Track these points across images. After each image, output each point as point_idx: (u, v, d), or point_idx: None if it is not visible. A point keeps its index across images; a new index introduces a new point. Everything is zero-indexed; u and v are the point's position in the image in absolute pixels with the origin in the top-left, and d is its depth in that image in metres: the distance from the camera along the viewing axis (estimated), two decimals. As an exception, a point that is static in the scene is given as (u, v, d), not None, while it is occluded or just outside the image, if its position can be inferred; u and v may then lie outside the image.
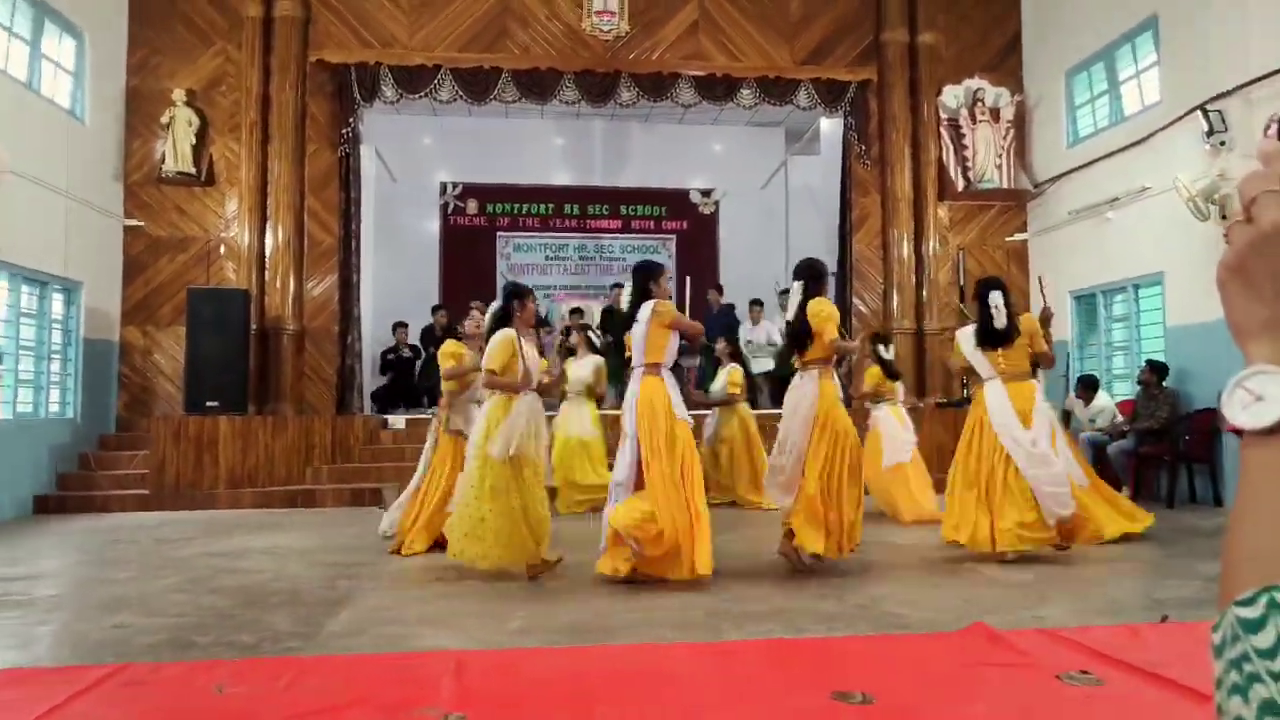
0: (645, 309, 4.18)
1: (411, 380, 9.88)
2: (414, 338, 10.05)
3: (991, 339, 4.75)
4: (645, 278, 4.31)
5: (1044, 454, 4.58)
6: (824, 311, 4.25)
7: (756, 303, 10.13)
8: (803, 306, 4.31)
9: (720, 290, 10.56)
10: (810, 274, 4.45)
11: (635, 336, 4.19)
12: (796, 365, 4.42)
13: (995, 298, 4.74)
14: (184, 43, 9.02)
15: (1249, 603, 0.45)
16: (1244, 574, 0.46)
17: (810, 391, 4.22)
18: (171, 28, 9.01)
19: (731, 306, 10.29)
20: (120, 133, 8.89)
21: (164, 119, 8.82)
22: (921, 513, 6.11)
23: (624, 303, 4.51)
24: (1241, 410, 0.50)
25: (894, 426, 6.37)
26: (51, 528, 6.56)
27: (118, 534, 6.13)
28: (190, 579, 4.37)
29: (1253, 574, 0.46)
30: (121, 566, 4.81)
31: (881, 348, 6.74)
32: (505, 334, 4.33)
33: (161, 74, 8.97)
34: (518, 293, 4.54)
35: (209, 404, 8.07)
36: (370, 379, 10.00)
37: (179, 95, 8.83)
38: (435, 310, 10.07)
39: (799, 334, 4.31)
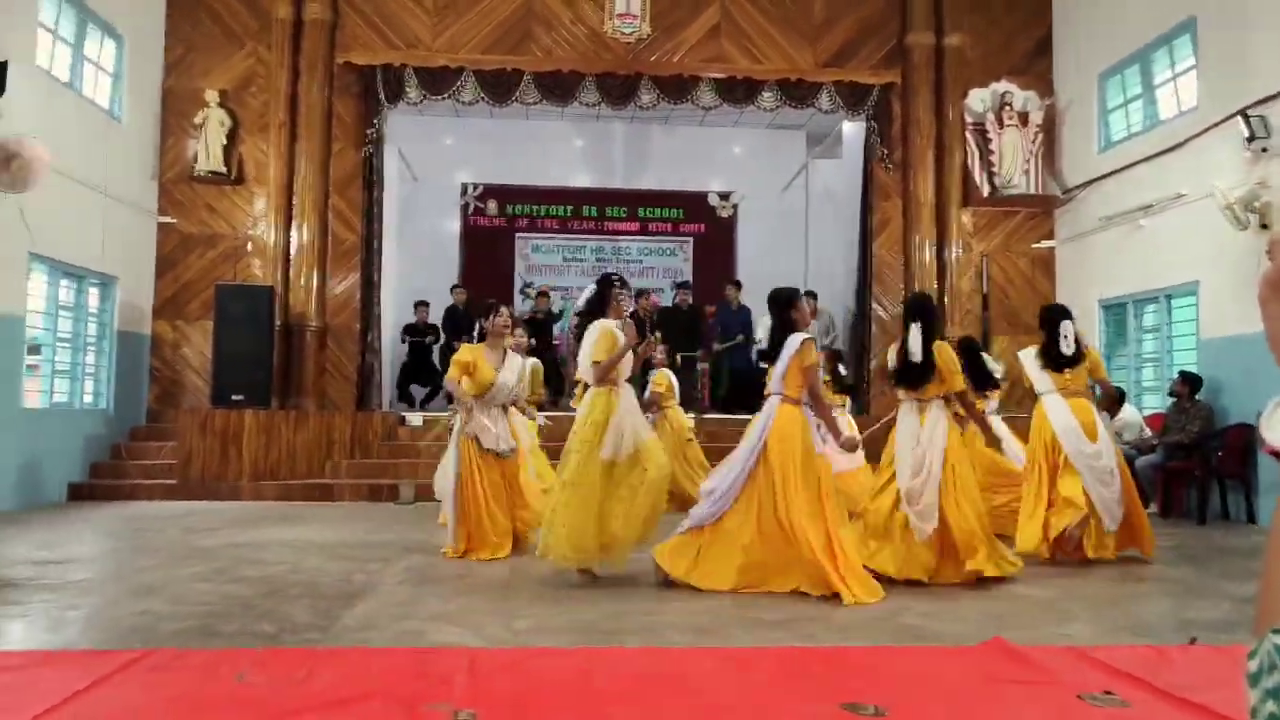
0: (791, 344, 4.14)
1: (430, 360, 10.07)
2: (435, 317, 10.23)
3: (1057, 362, 5.07)
4: (785, 308, 4.26)
5: (1108, 469, 4.90)
6: (954, 361, 4.49)
7: (810, 294, 10.13)
8: (927, 347, 4.41)
9: (739, 286, 10.52)
10: (928, 314, 4.54)
11: (777, 368, 4.17)
12: (903, 396, 4.56)
13: (1066, 327, 5.08)
14: (216, 44, 9.20)
15: None
16: None
17: (942, 423, 4.42)
18: (205, 29, 9.20)
19: (748, 311, 10.26)
20: (156, 132, 9.09)
21: (197, 119, 9.01)
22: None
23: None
24: None
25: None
26: (84, 515, 6.71)
27: (146, 523, 6.26)
28: (215, 568, 4.45)
29: None
30: (149, 554, 4.91)
31: (840, 366, 7.41)
32: (605, 324, 4.29)
33: (195, 74, 9.15)
34: (612, 282, 4.44)
35: (234, 398, 8.21)
36: (390, 375, 10.12)
37: (212, 96, 9.01)
38: (455, 289, 10.33)
39: (922, 371, 4.42)
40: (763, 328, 4.40)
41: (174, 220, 9.08)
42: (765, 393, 4.25)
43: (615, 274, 4.61)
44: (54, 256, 7.46)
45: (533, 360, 6.91)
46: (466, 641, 3.09)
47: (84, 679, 2.51)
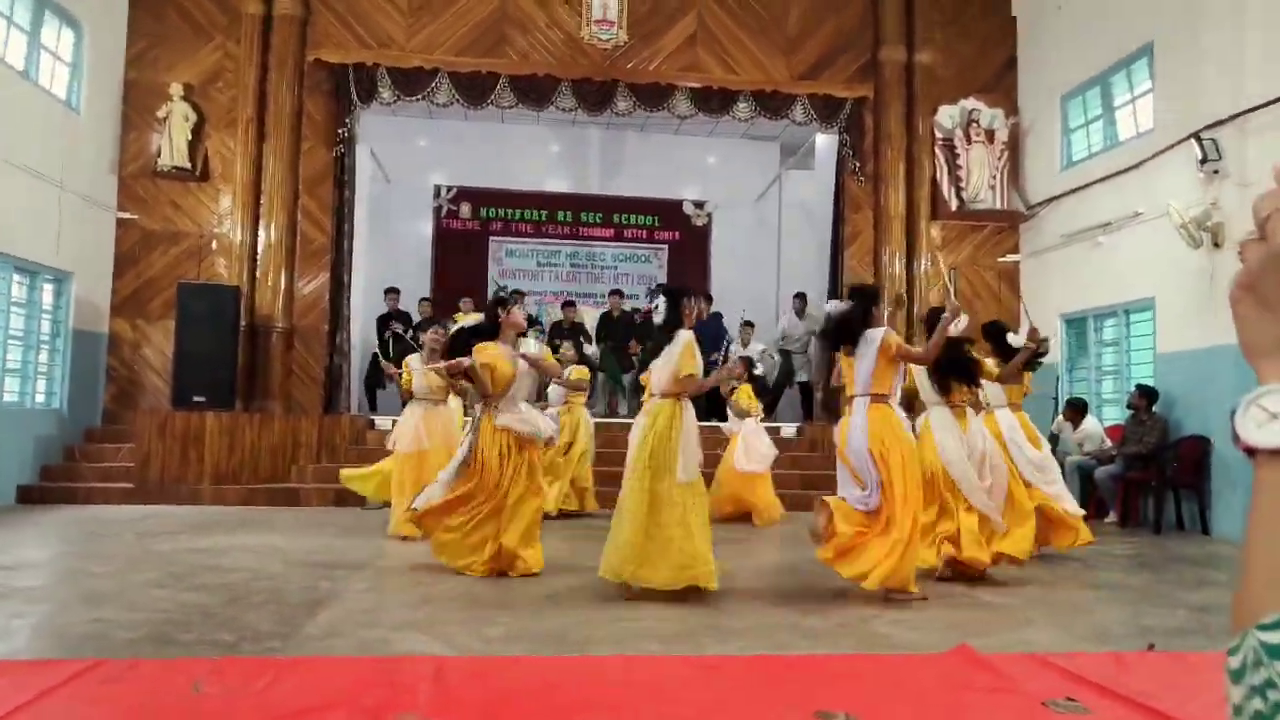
0: (873, 337, 4.07)
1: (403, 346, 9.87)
2: (406, 305, 10.06)
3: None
4: (868, 301, 4.20)
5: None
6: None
7: (748, 324, 10.20)
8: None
9: (709, 299, 10.59)
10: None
11: (861, 366, 4.09)
12: (940, 402, 4.66)
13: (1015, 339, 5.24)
14: (183, 37, 9.01)
15: (1274, 627, 0.44)
16: (1265, 597, 0.46)
17: (981, 429, 4.74)
18: (171, 21, 9.00)
19: (719, 315, 10.33)
20: (116, 125, 8.85)
21: (160, 113, 8.80)
22: (774, 518, 6.90)
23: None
24: (1256, 429, 0.50)
25: (756, 439, 6.92)
26: (34, 519, 6.49)
27: (101, 527, 6.07)
28: (172, 574, 4.33)
29: (1276, 598, 0.45)
30: (103, 560, 4.76)
31: (757, 370, 7.82)
32: (689, 335, 4.17)
33: (159, 67, 8.95)
34: (687, 293, 4.33)
35: (196, 399, 8.02)
36: (359, 378, 9.96)
37: (176, 89, 8.81)
38: (423, 302, 10.20)
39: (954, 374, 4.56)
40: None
41: (134, 216, 8.85)
42: (850, 394, 4.16)
43: (675, 286, 4.56)
44: (6, 251, 7.23)
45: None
46: (434, 650, 3.05)
47: (30, 690, 2.42)
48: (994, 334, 5.43)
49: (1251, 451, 0.50)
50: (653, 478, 3.92)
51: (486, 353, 4.54)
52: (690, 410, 4.12)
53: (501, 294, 8.24)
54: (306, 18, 9.05)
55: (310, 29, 9.07)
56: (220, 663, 2.79)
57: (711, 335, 10.07)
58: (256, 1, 8.89)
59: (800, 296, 10.51)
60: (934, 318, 4.48)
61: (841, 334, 4.18)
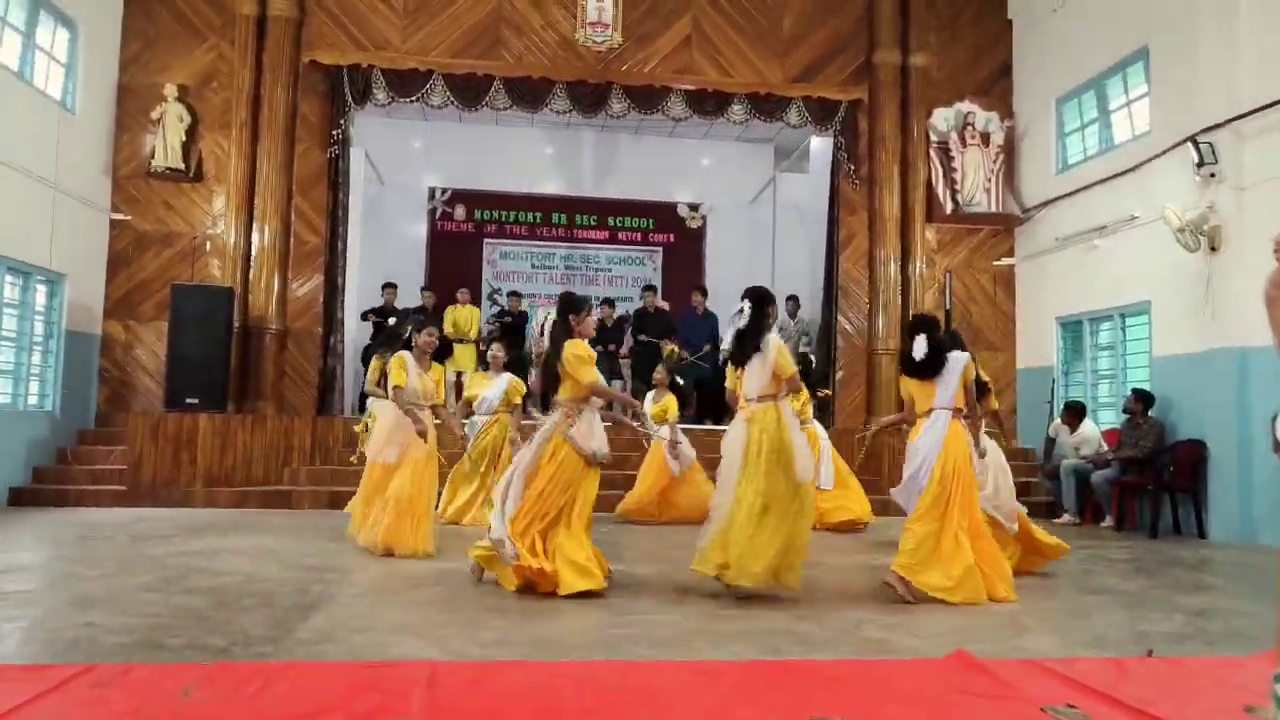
0: (956, 362, 4.39)
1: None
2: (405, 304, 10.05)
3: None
4: (938, 328, 4.54)
5: None
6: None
7: (792, 298, 10.42)
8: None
9: (705, 293, 10.60)
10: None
11: (944, 387, 4.39)
12: (970, 413, 4.66)
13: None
14: (177, 38, 8.98)
15: None
16: None
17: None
18: (165, 22, 8.97)
19: (715, 318, 10.32)
20: (110, 125, 8.82)
21: (155, 114, 8.77)
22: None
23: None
24: None
25: (682, 445, 6.91)
26: (25, 521, 6.44)
27: (92, 530, 6.03)
28: (163, 578, 4.29)
29: None
30: (95, 563, 4.72)
31: (678, 378, 7.90)
32: (779, 338, 4.27)
33: (154, 68, 8.91)
34: (773, 299, 4.36)
35: (189, 401, 7.98)
36: (353, 380, 9.92)
37: (170, 90, 8.77)
38: (424, 291, 10.18)
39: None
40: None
41: (128, 217, 8.81)
42: (929, 408, 4.39)
43: (760, 289, 4.41)
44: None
45: (510, 376, 6.81)
46: (428, 654, 3.02)
47: (19, 695, 2.39)
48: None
49: None
50: (767, 477, 4.01)
51: (585, 350, 4.27)
52: (789, 410, 4.26)
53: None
54: (301, 19, 9.03)
55: (305, 30, 9.05)
56: (211, 668, 2.76)
57: (707, 335, 10.09)
58: (251, 3, 8.87)
59: (793, 299, 10.53)
60: (919, 325, 4.54)
61: (936, 364, 4.42)
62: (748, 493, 4.02)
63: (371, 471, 5.45)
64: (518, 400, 6.77)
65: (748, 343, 4.21)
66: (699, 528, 4.33)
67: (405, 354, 5.34)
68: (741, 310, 4.27)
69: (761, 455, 4.04)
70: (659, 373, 7.58)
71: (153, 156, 8.75)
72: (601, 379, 4.35)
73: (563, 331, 4.25)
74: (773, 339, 4.21)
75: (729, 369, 4.43)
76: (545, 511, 4.11)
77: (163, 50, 8.94)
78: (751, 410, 4.16)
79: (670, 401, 7.38)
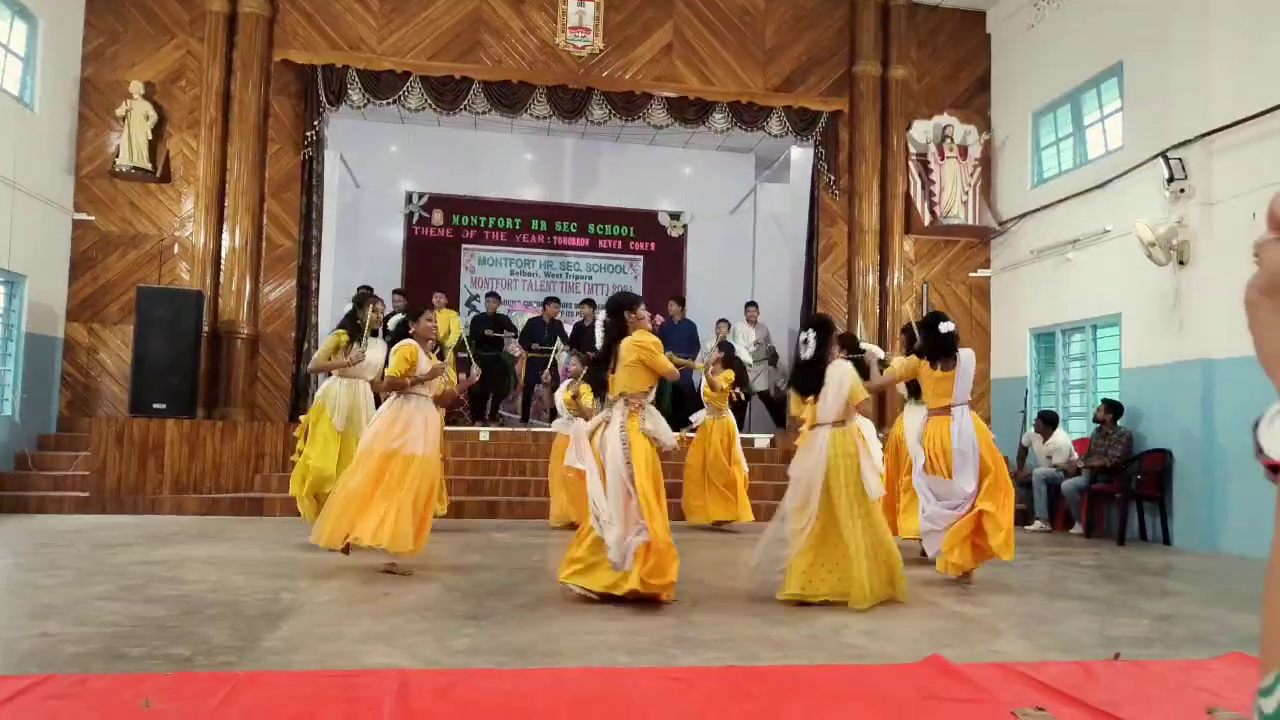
0: (969, 358, 4.89)
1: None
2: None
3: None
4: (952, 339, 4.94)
5: None
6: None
7: (752, 304, 10.47)
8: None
9: (682, 303, 10.60)
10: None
11: (961, 381, 4.84)
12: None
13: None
14: (143, 34, 8.81)
15: None
16: None
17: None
18: (131, 18, 8.80)
19: (693, 324, 10.33)
20: (73, 123, 8.62)
21: (120, 111, 8.59)
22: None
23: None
24: None
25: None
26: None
27: (52, 537, 5.85)
28: (125, 587, 4.17)
29: None
30: (54, 571, 4.57)
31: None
32: (849, 365, 4.39)
33: (119, 64, 8.74)
34: (835, 327, 4.52)
35: (155, 406, 7.80)
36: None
37: (136, 88, 8.60)
38: (396, 293, 9.58)
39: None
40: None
41: (91, 217, 8.62)
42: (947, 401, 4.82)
43: (824, 317, 4.67)
44: (-43, 251, 6.99)
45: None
46: (398, 663, 2.95)
47: (-32, 707, 2.29)
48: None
49: (1277, 469, 0.46)
50: (859, 501, 4.15)
51: (653, 341, 4.20)
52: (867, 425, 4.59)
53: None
54: (273, 16, 8.91)
55: (277, 28, 8.93)
56: (173, 678, 2.68)
57: (685, 341, 10.08)
58: (221, -1, 8.75)
59: (752, 305, 10.53)
60: (914, 332, 5.08)
61: (948, 350, 4.88)
62: (847, 518, 4.12)
63: (384, 461, 4.73)
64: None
65: (815, 372, 4.31)
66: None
67: (411, 342, 4.98)
68: (806, 340, 4.36)
69: (850, 481, 4.16)
70: (574, 363, 7.70)
71: (117, 155, 8.57)
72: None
73: (618, 327, 4.26)
74: (844, 366, 4.34)
75: (793, 396, 4.66)
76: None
77: (128, 46, 8.78)
78: (829, 435, 4.22)
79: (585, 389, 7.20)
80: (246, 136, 8.74)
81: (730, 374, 7.28)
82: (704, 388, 7.25)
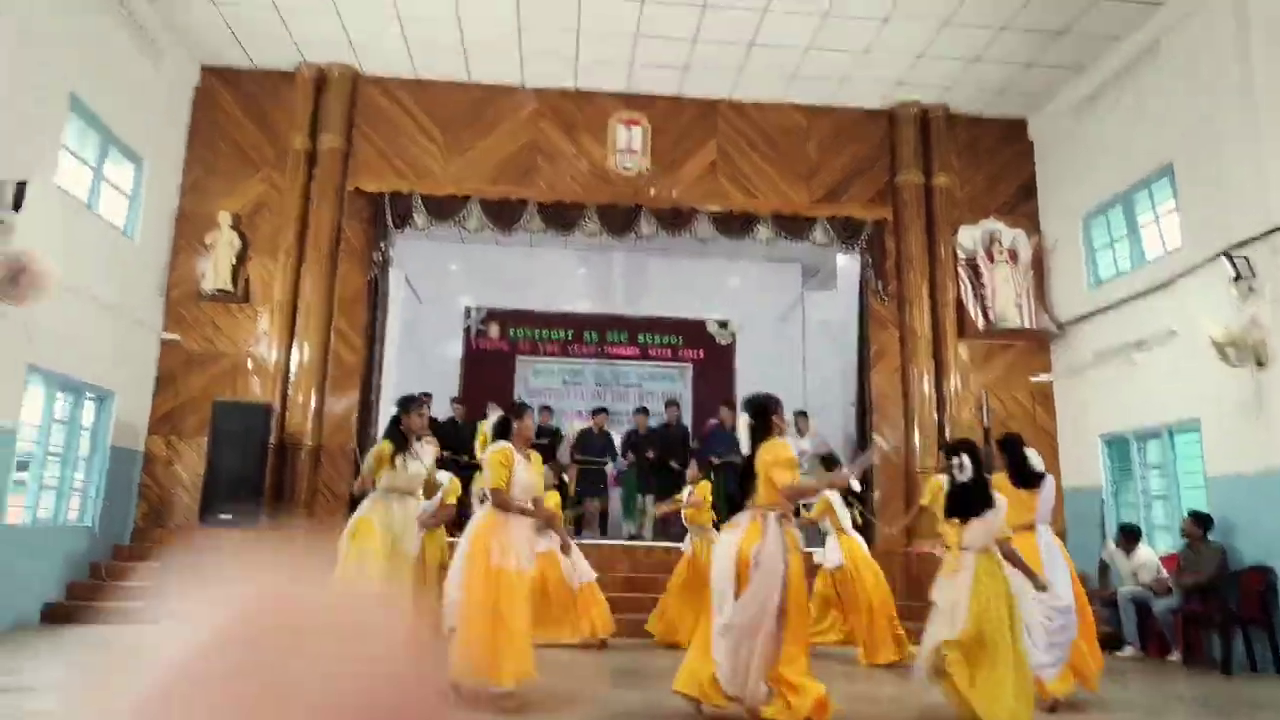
0: (1049, 480, 5.11)
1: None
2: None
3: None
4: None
5: None
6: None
7: (802, 414, 10.22)
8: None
9: (733, 408, 10.51)
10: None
11: (1044, 500, 4.99)
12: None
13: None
14: (233, 169, 9.63)
15: None
16: None
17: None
18: (223, 154, 9.65)
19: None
20: (167, 251, 9.34)
21: (208, 239, 9.31)
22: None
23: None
24: None
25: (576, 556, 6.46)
26: (56, 638, 6.39)
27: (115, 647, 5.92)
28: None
29: None
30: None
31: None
32: (1005, 501, 4.46)
33: (210, 196, 9.51)
34: (978, 448, 4.60)
35: (223, 515, 8.03)
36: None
37: (224, 217, 9.34)
38: (454, 402, 10.14)
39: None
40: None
41: (177, 337, 9.20)
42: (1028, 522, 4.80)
43: (970, 441, 4.74)
44: (53, 369, 7.51)
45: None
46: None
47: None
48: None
49: None
50: (1014, 626, 4.13)
51: (788, 452, 4.23)
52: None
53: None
54: (349, 150, 9.67)
55: (352, 160, 9.65)
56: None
57: (735, 446, 9.93)
58: (303, 137, 9.56)
59: (803, 414, 10.32)
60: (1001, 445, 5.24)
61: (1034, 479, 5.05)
62: (1003, 643, 4.03)
63: (494, 579, 4.28)
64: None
65: (976, 496, 4.30)
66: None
67: (504, 444, 4.58)
68: (961, 464, 4.34)
69: (1006, 607, 4.13)
70: (693, 469, 7.71)
71: (203, 279, 9.25)
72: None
73: (762, 432, 4.24)
74: (1002, 501, 4.33)
75: (944, 520, 4.50)
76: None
77: (219, 179, 9.58)
78: (977, 561, 4.19)
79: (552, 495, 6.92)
80: (320, 259, 9.34)
81: (706, 484, 7.24)
82: (685, 511, 7.09)
